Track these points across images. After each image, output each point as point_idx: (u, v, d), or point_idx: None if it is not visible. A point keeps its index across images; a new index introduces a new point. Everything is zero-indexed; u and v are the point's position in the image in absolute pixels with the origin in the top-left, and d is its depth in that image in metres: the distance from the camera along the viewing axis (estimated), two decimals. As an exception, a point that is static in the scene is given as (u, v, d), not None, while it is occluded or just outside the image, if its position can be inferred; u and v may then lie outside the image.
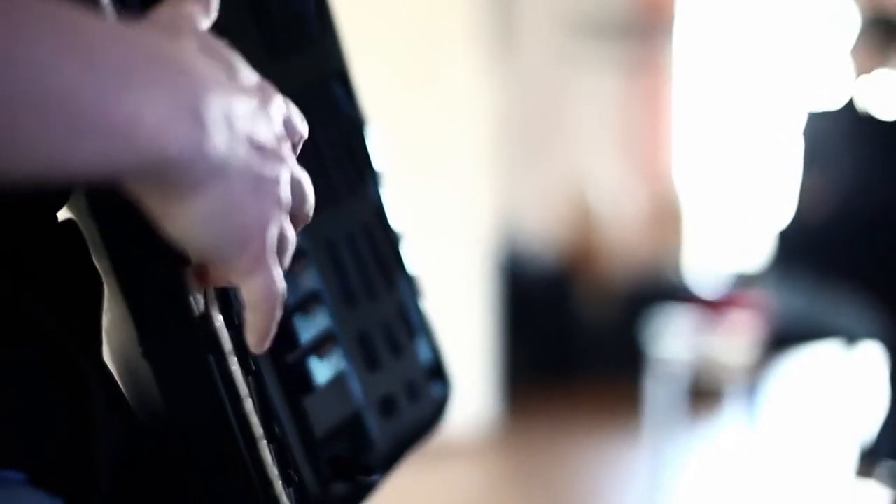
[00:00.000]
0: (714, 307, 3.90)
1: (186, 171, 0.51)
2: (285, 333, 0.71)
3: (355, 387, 0.77)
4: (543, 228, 5.47)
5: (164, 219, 0.54)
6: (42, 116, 0.45)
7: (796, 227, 3.59)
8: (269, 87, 0.58)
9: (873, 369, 3.48)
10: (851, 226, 3.48)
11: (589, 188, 5.58)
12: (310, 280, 0.75)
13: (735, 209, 5.69)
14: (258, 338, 0.60)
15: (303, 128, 0.61)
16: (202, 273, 0.61)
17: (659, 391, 3.68)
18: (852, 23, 3.61)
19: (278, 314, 0.59)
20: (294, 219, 0.60)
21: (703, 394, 4.24)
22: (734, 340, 3.57)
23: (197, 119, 0.50)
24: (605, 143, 5.68)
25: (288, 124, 0.59)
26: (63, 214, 0.66)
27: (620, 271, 5.43)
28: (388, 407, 0.81)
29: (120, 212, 0.63)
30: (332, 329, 0.76)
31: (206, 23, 0.57)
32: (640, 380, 4.15)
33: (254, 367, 0.66)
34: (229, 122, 0.53)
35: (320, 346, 0.74)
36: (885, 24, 3.51)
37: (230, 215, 0.54)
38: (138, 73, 0.49)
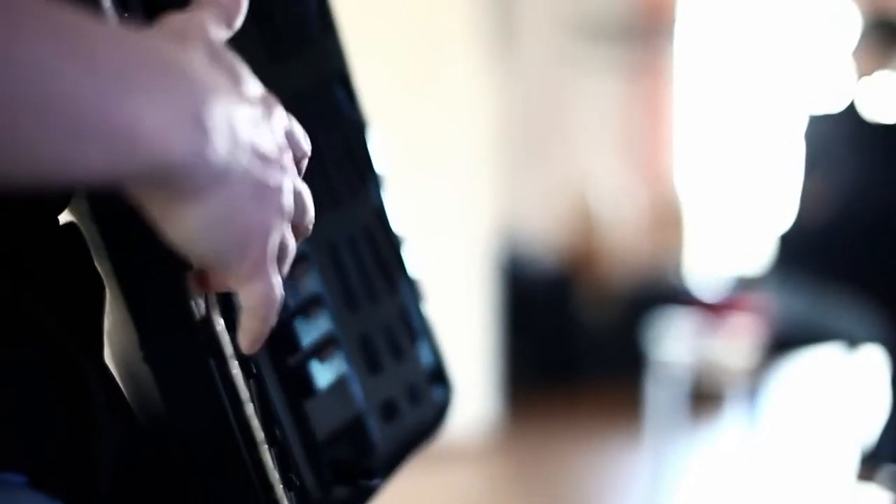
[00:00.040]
0: (715, 310, 3.90)
1: (188, 177, 0.51)
2: (286, 337, 0.71)
3: (357, 390, 0.77)
4: (544, 231, 5.47)
5: (165, 223, 0.54)
6: (42, 120, 0.45)
7: (797, 231, 3.59)
8: (273, 99, 0.58)
9: (874, 373, 3.48)
10: (852, 229, 3.48)
11: (590, 191, 5.58)
12: (311, 283, 0.75)
13: (736, 212, 5.69)
14: (250, 341, 0.60)
15: (306, 145, 0.61)
16: (203, 277, 0.61)
17: (660, 394, 3.68)
18: (854, 25, 3.61)
19: (273, 320, 0.59)
20: (294, 230, 0.60)
21: (704, 397, 4.24)
22: (735, 344, 3.57)
23: (199, 125, 0.50)
24: (606, 145, 5.68)
25: (291, 138, 0.59)
26: (65, 217, 0.66)
27: (621, 274, 5.43)
28: (389, 410, 0.81)
29: (121, 215, 0.63)
30: (334, 332, 0.76)
31: (221, 33, 0.57)
32: (641, 383, 4.15)
33: (255, 371, 0.66)
34: (232, 129, 0.53)
35: (322, 350, 0.74)
36: (887, 26, 3.51)
37: (231, 221, 0.54)
38: (140, 78, 0.49)
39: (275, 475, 0.65)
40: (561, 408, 5.00)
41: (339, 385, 0.75)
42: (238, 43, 0.58)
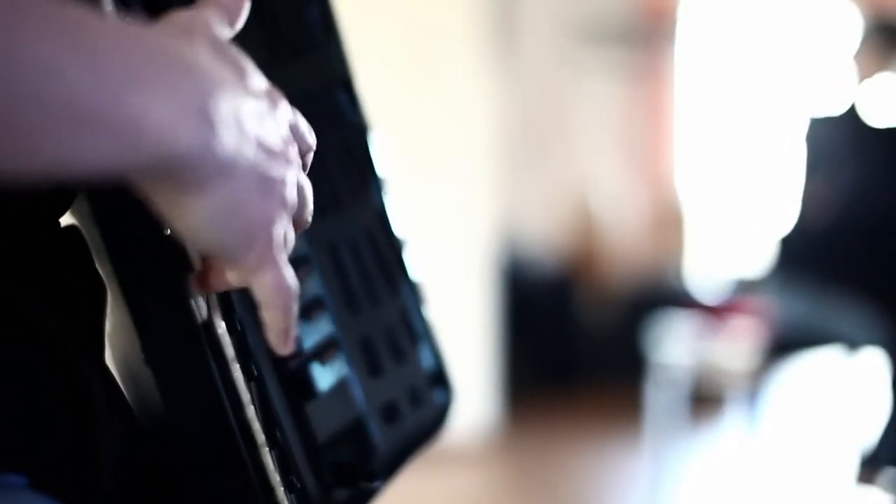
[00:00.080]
0: (715, 313, 3.90)
1: (194, 169, 0.51)
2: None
3: (358, 393, 0.77)
4: (545, 233, 5.47)
5: (172, 216, 0.54)
6: (47, 114, 0.45)
7: (798, 233, 3.59)
8: (278, 93, 0.58)
9: (875, 375, 3.48)
10: (853, 231, 3.48)
11: (590, 193, 5.58)
12: (312, 286, 0.75)
13: (737, 215, 5.69)
14: (278, 336, 0.60)
15: (311, 139, 0.61)
16: (205, 278, 0.62)
17: (660, 396, 3.68)
18: (854, 28, 3.61)
19: (294, 309, 0.59)
20: (294, 224, 0.60)
21: (704, 399, 4.24)
22: (735, 346, 3.57)
23: (205, 117, 0.51)
24: (607, 147, 5.68)
25: (295, 132, 0.60)
26: (67, 219, 0.66)
27: (622, 276, 5.43)
28: (390, 413, 0.81)
29: (123, 218, 0.63)
30: (335, 335, 0.76)
31: (224, 31, 0.57)
32: (642, 385, 4.15)
33: (256, 373, 0.66)
34: (238, 122, 0.53)
35: (323, 353, 0.74)
36: (888, 29, 3.51)
37: (237, 212, 0.54)
38: (145, 71, 0.49)
39: (275, 477, 0.65)
40: (561, 410, 5.00)
41: (340, 387, 0.75)
42: (242, 46, 0.58)
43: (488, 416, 4.48)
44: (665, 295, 5.07)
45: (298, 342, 0.72)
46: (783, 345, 3.50)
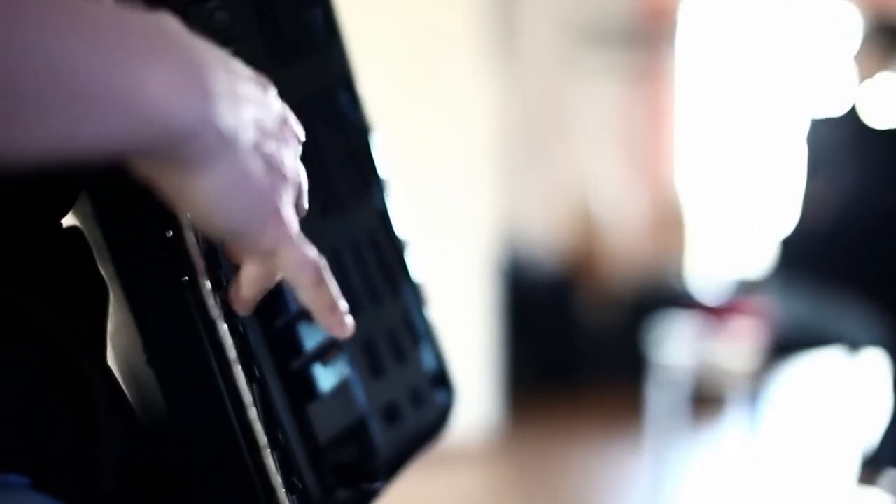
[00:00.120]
0: (716, 313, 3.90)
1: (195, 142, 0.52)
2: (289, 340, 0.71)
3: (359, 394, 0.77)
4: (545, 234, 5.47)
5: (181, 199, 0.55)
6: (45, 93, 0.45)
7: (799, 234, 3.59)
8: (267, 81, 0.59)
9: (876, 376, 3.48)
10: (854, 232, 3.48)
11: (591, 194, 5.58)
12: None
13: (738, 215, 5.69)
14: (327, 316, 0.60)
15: (299, 130, 0.61)
16: (236, 292, 0.62)
17: (661, 397, 3.68)
18: (855, 29, 3.61)
19: (328, 279, 0.60)
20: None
21: (705, 400, 4.24)
22: (737, 347, 3.57)
23: (202, 88, 0.51)
24: (608, 148, 5.68)
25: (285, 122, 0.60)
26: (69, 220, 0.66)
27: (623, 277, 5.43)
28: (392, 414, 0.81)
29: (125, 218, 0.63)
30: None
31: None
32: (643, 385, 4.15)
33: (258, 375, 0.66)
34: (235, 97, 0.54)
35: (324, 354, 0.74)
36: (888, 30, 3.51)
37: (243, 188, 0.55)
38: (141, 48, 0.49)
39: (277, 479, 0.65)
40: (562, 410, 5.00)
41: (342, 389, 0.75)
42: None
43: (489, 416, 4.48)
44: (666, 295, 5.07)
45: (300, 343, 0.72)
46: (784, 345, 3.50)
